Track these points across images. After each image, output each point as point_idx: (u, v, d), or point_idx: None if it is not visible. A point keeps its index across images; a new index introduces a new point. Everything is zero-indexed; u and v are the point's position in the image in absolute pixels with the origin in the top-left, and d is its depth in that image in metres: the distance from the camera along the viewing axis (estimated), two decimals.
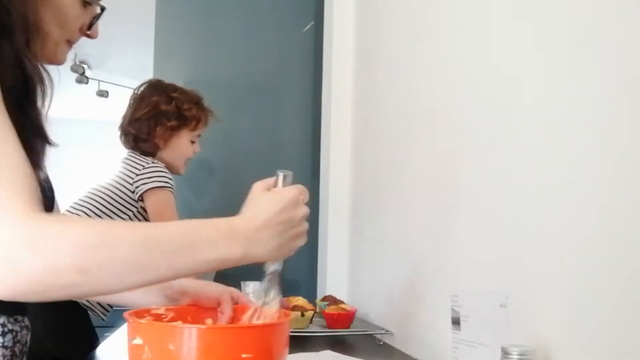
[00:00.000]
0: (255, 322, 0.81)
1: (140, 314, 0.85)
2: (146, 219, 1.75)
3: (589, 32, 0.82)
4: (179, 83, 1.98)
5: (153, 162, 1.78)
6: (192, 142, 1.89)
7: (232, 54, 2.39)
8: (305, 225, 0.77)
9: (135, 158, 1.79)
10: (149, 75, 2.36)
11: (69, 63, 4.50)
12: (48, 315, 1.28)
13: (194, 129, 1.86)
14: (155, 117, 1.80)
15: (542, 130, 0.91)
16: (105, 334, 1.60)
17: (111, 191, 1.74)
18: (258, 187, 0.78)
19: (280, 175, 0.78)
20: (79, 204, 1.75)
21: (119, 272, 0.64)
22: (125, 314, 0.79)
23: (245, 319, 0.83)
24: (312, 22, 2.38)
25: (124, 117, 1.88)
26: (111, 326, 1.75)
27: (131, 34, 3.96)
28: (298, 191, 0.77)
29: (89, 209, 1.73)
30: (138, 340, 0.73)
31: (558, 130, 0.87)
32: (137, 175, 1.73)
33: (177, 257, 0.67)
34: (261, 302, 0.80)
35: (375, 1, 1.89)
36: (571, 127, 0.85)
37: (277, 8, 2.41)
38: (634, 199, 0.72)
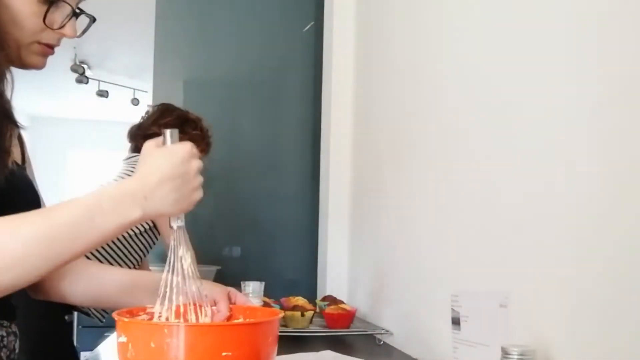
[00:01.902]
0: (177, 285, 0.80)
1: (135, 312, 0.84)
2: None
3: (589, 31, 0.82)
4: (179, 83, 1.99)
5: None
6: None
7: (232, 54, 2.40)
8: (199, 179, 0.77)
9: None
10: (149, 75, 2.36)
11: (68, 63, 4.50)
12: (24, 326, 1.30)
13: (202, 151, 1.96)
14: (181, 125, 1.94)
15: (542, 130, 0.91)
16: (106, 334, 1.61)
17: None
18: (148, 145, 0.77)
19: (167, 132, 0.78)
20: None
21: (25, 269, 0.67)
22: (114, 313, 0.78)
23: (163, 278, 0.81)
24: (312, 22, 2.38)
25: (142, 122, 1.95)
26: (111, 326, 1.75)
27: (131, 34, 3.97)
28: (189, 146, 0.77)
29: None
30: (123, 338, 0.73)
31: (558, 130, 0.88)
32: None
33: (81, 237, 0.70)
34: (172, 258, 0.80)
35: (375, 1, 1.89)
36: (572, 127, 0.85)
37: (277, 8, 2.41)
38: (634, 199, 0.72)
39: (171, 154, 0.75)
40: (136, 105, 5.10)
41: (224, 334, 0.74)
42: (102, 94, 5.08)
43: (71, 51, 4.34)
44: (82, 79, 4.66)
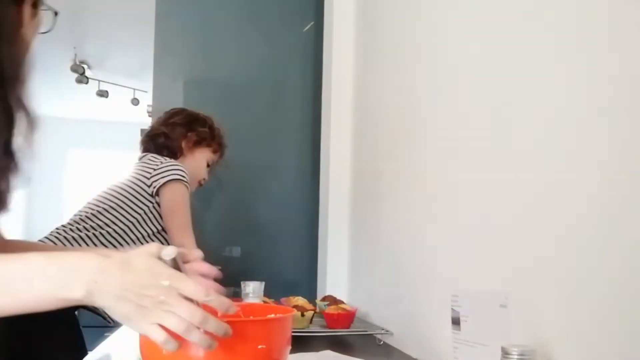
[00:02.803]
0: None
1: None
2: (158, 216, 1.75)
3: (589, 31, 0.82)
4: (179, 83, 1.98)
5: (172, 160, 1.81)
6: (208, 165, 1.95)
7: (232, 54, 2.40)
8: (157, 315, 0.67)
9: (154, 157, 1.82)
10: (149, 75, 2.36)
11: (68, 63, 4.50)
12: (33, 321, 1.31)
13: (215, 152, 1.94)
14: (189, 124, 1.91)
15: (542, 130, 0.91)
16: (106, 334, 1.60)
17: (128, 186, 1.75)
18: (146, 248, 0.71)
19: (169, 256, 0.72)
20: (96, 202, 1.75)
21: None
22: None
23: None
24: (312, 22, 2.38)
25: (152, 125, 1.97)
26: (111, 326, 1.74)
27: (131, 34, 3.96)
28: (155, 272, 0.68)
29: (105, 205, 1.72)
30: None
31: (558, 130, 0.88)
32: (155, 170, 1.75)
33: (11, 294, 0.66)
34: None
35: (375, 1, 1.89)
36: (571, 127, 0.85)
37: (277, 8, 2.42)
38: (633, 199, 0.72)
39: (146, 270, 0.68)
40: (136, 105, 5.10)
41: (260, 328, 0.80)
42: (102, 94, 5.08)
43: (71, 51, 4.34)
44: (82, 79, 4.66)
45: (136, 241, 1.73)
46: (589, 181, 0.80)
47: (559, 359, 0.83)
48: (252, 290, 1.47)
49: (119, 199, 1.74)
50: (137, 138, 2.04)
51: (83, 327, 2.05)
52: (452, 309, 0.92)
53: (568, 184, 0.84)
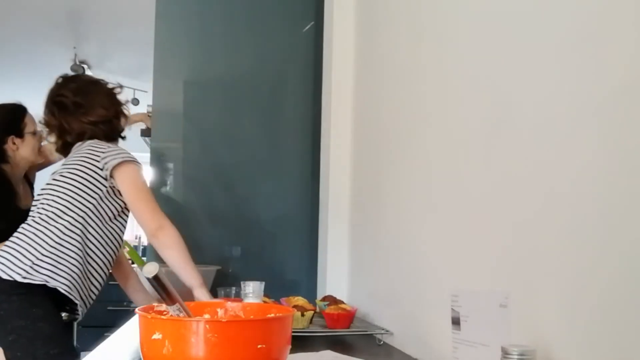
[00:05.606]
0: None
1: (146, 310, 0.88)
2: (115, 198, 1.74)
3: (589, 31, 0.82)
4: (179, 83, 1.97)
5: (114, 145, 1.84)
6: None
7: (232, 54, 2.40)
8: None
9: (99, 143, 1.82)
10: (149, 75, 2.36)
11: (68, 63, 4.49)
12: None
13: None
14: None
15: (542, 129, 0.91)
16: (106, 334, 1.60)
17: (78, 173, 1.73)
18: None
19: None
20: (47, 193, 1.73)
21: None
22: (140, 311, 0.83)
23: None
24: (312, 22, 2.38)
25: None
26: (111, 326, 1.75)
27: (131, 34, 3.96)
28: None
29: (58, 195, 1.70)
30: (157, 335, 0.77)
31: (558, 129, 0.88)
32: (104, 153, 1.74)
33: None
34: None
35: (375, 1, 1.89)
36: (571, 127, 0.85)
37: (277, 8, 2.42)
38: (633, 199, 0.72)
39: None
40: (136, 105, 5.09)
41: (260, 328, 0.81)
42: None
43: (71, 51, 4.33)
44: None
45: (99, 224, 1.71)
46: (589, 181, 0.80)
47: (559, 359, 0.83)
48: (252, 290, 1.46)
49: (74, 181, 1.72)
50: (137, 138, 2.03)
51: (83, 327, 2.05)
52: (452, 309, 0.92)
53: (568, 184, 0.84)
